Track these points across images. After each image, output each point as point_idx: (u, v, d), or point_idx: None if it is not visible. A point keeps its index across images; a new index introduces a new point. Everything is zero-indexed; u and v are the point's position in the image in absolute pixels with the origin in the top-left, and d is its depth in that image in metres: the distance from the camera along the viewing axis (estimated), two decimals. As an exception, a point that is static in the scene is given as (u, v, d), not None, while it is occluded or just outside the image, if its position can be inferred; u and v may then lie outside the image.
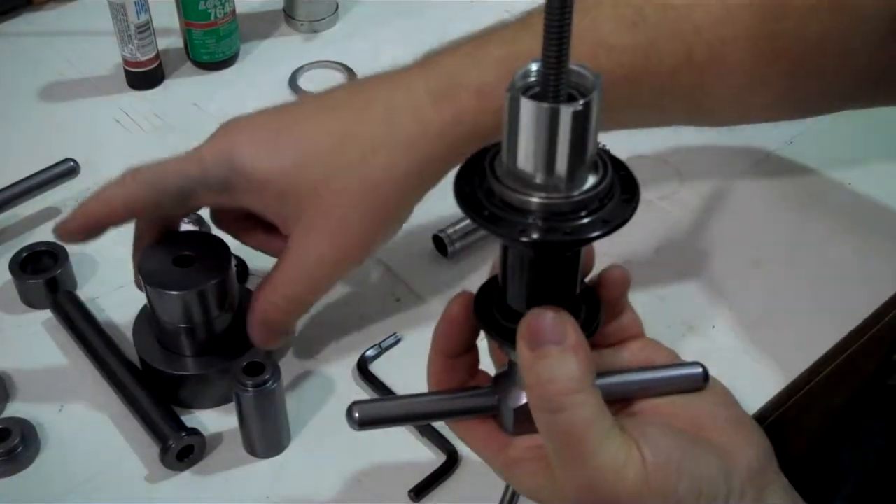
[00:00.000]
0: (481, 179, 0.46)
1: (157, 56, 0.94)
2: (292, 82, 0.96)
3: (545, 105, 0.42)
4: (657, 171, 0.86)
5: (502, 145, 0.45)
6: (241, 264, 0.78)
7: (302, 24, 1.02)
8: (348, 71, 0.96)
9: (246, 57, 0.99)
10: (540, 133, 0.43)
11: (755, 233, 0.81)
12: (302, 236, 0.63)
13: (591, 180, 0.45)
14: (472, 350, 0.54)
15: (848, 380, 0.76)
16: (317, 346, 0.73)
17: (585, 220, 0.44)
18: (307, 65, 0.97)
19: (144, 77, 0.95)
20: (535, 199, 0.44)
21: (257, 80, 0.97)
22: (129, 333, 0.70)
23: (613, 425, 0.47)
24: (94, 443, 0.67)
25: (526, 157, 0.44)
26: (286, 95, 0.95)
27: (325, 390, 0.70)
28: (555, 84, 0.42)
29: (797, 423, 0.72)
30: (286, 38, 1.02)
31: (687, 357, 0.70)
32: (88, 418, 0.68)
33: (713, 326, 0.74)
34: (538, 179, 0.44)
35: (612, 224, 0.44)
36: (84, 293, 0.75)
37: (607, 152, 0.46)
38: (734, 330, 0.73)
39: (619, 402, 0.52)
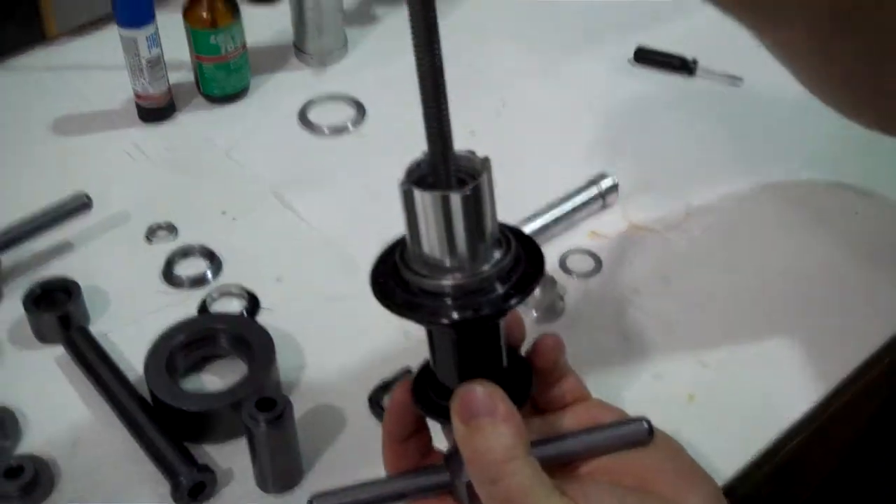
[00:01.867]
0: (396, 270, 0.49)
1: (169, 90, 0.95)
2: (302, 116, 0.96)
3: (437, 194, 0.45)
4: (664, 202, 0.86)
5: (406, 235, 0.48)
6: (252, 298, 0.78)
7: (311, 58, 1.02)
8: (357, 105, 0.97)
9: (256, 90, 1.00)
10: (437, 220, 0.46)
11: (763, 262, 0.81)
12: None
13: (496, 256, 0.48)
14: (424, 431, 0.55)
15: (859, 413, 0.76)
16: (328, 379, 0.73)
17: (495, 294, 0.47)
18: (317, 98, 0.98)
19: (156, 111, 0.95)
20: (444, 282, 0.47)
21: (267, 113, 0.97)
22: (140, 368, 0.71)
23: (553, 490, 0.48)
24: (106, 479, 0.67)
25: (429, 243, 0.47)
26: (296, 129, 0.95)
27: (337, 424, 0.70)
28: (444, 172, 0.46)
29: (808, 459, 0.72)
30: (296, 71, 1.03)
31: (698, 390, 0.71)
32: (101, 454, 0.68)
33: (723, 358, 0.74)
34: (443, 263, 0.47)
35: (520, 295, 0.48)
36: (96, 328, 0.76)
37: (510, 227, 0.50)
38: (745, 361, 0.73)
39: (565, 465, 0.53)
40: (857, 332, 0.75)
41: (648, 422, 0.53)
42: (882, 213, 0.85)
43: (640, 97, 0.98)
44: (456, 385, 0.50)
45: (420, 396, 0.53)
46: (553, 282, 0.76)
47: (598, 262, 0.81)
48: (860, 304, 0.77)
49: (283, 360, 0.72)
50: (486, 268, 0.47)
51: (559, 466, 0.52)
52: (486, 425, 0.48)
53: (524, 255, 0.49)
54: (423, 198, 0.46)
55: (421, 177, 0.47)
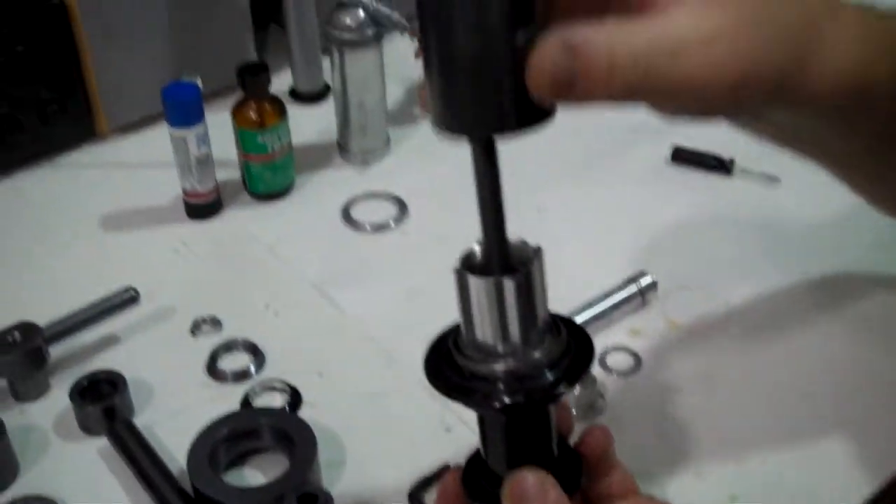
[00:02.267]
0: (449, 355, 0.50)
1: (216, 187, 0.97)
2: (345, 213, 0.98)
3: (490, 279, 0.47)
4: (703, 300, 0.86)
5: (460, 320, 0.49)
6: (294, 393, 0.79)
7: (355, 157, 1.05)
8: (399, 203, 0.99)
9: (301, 188, 1.02)
10: (490, 305, 0.48)
11: (805, 361, 0.81)
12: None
13: (547, 342, 0.49)
14: None
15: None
16: (369, 475, 0.73)
17: (546, 380, 0.49)
18: (359, 196, 1.00)
19: (203, 208, 0.97)
20: (496, 367, 0.48)
21: (311, 210, 0.99)
22: (183, 461, 0.71)
23: None
24: (147, 572, 0.67)
25: (481, 328, 0.48)
26: (339, 226, 0.97)
27: (376, 521, 0.70)
28: (497, 259, 0.48)
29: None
30: (339, 169, 1.05)
31: (741, 490, 0.70)
32: (142, 547, 0.69)
33: (766, 457, 0.73)
34: (495, 348, 0.48)
35: (570, 381, 0.49)
36: (140, 420, 0.76)
37: (559, 315, 0.51)
38: (788, 461, 0.73)
39: None
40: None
41: None
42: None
43: (678, 197, 0.99)
44: (506, 472, 0.50)
45: (470, 484, 0.53)
46: (593, 380, 0.76)
47: (638, 360, 0.81)
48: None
49: (325, 455, 0.72)
50: (537, 354, 0.48)
51: None
52: None
53: (574, 343, 0.50)
54: (476, 283, 0.47)
55: (475, 263, 0.49)
